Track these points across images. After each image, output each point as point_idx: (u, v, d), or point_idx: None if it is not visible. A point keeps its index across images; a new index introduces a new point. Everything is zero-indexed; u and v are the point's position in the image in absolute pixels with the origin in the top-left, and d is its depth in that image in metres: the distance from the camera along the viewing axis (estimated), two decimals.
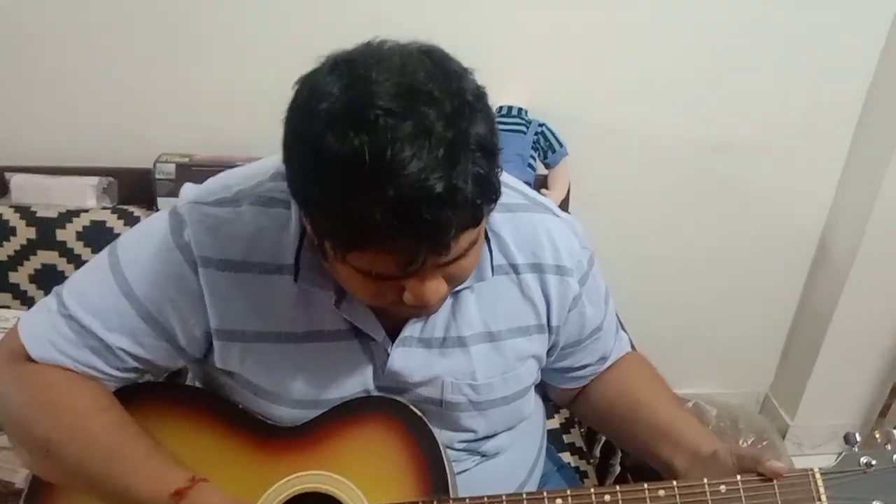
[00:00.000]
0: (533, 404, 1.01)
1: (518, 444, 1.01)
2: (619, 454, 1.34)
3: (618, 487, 0.80)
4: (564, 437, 1.51)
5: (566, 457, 1.44)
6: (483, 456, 0.97)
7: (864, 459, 0.79)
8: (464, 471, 0.94)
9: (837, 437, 1.97)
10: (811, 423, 2.10)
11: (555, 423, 1.52)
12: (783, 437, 2.09)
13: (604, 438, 1.43)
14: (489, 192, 0.67)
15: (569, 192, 1.65)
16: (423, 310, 0.77)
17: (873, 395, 2.08)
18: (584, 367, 1.02)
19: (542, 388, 1.08)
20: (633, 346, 1.10)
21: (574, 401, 1.08)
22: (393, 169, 0.61)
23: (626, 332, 1.09)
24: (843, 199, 1.88)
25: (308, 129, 0.64)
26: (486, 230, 0.84)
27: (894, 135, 1.68)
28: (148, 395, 0.91)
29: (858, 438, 0.81)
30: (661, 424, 0.93)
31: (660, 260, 1.94)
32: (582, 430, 1.53)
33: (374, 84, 0.63)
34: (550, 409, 1.49)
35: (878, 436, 0.81)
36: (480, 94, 0.69)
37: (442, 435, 0.90)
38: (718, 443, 0.88)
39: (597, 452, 1.45)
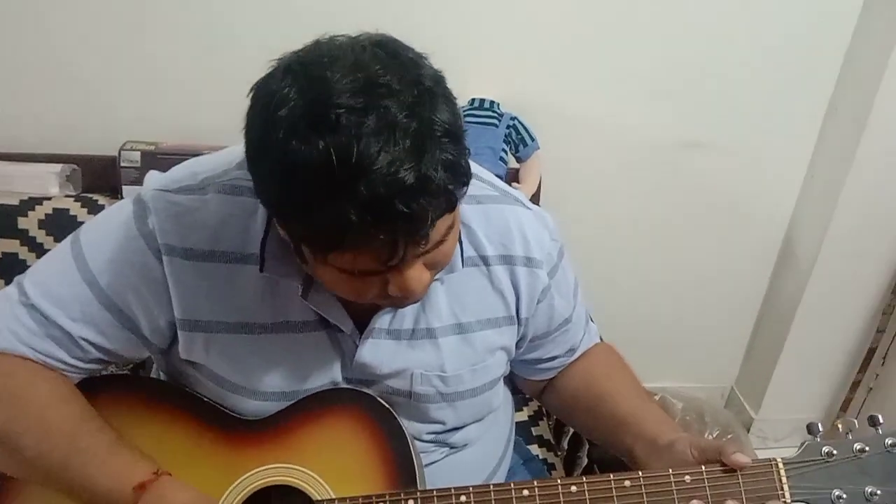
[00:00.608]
0: (502, 396, 1.01)
1: (486, 437, 1.01)
2: (587, 446, 1.35)
3: (584, 478, 0.81)
4: (533, 429, 1.52)
5: (534, 449, 1.45)
6: (451, 448, 0.97)
7: (825, 449, 0.80)
8: (432, 462, 0.94)
9: (800, 430, 2.00)
10: (775, 417, 2.14)
11: (523, 415, 1.53)
12: (748, 431, 2.13)
13: (571, 431, 1.44)
14: (460, 176, 0.67)
15: (540, 185, 1.65)
16: (409, 299, 0.76)
17: (835, 390, 2.12)
18: (553, 358, 1.02)
19: (511, 380, 1.08)
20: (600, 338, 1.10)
21: (542, 392, 1.08)
22: (362, 166, 0.60)
23: (594, 323, 1.10)
24: (808, 197, 1.91)
25: (270, 137, 0.63)
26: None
27: (858, 134, 1.71)
28: (112, 388, 0.90)
29: (821, 429, 0.81)
30: (621, 414, 0.93)
31: (628, 254, 1.95)
32: (550, 422, 1.54)
33: (331, 83, 0.62)
34: (519, 401, 1.50)
35: (839, 426, 0.82)
36: (439, 79, 0.68)
37: (410, 426, 0.89)
38: (680, 433, 0.88)
39: (564, 445, 1.46)
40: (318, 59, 0.65)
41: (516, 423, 1.14)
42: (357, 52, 0.65)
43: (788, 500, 0.79)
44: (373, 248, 0.65)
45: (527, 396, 1.46)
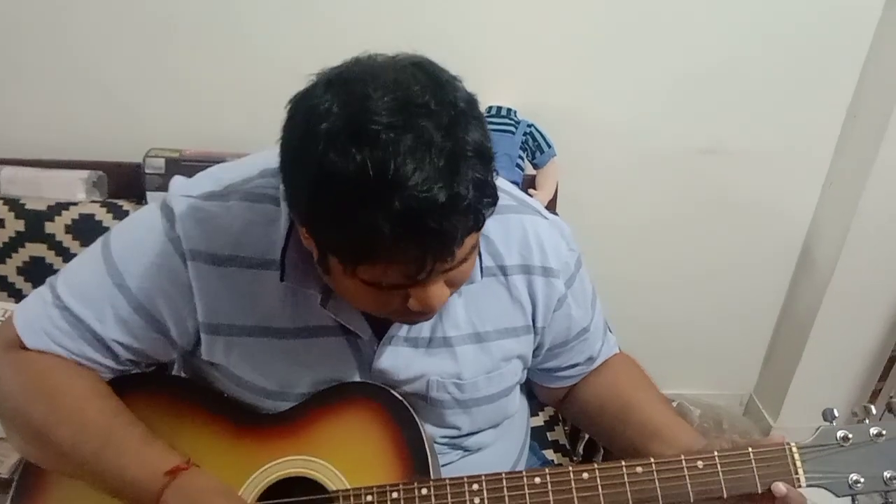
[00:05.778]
0: (518, 403, 1.02)
1: (501, 441, 1.02)
2: (602, 452, 1.36)
3: (596, 465, 0.81)
4: (549, 434, 1.52)
5: (549, 454, 1.46)
6: (466, 451, 0.98)
7: (840, 434, 0.80)
8: (447, 464, 0.95)
9: None
10: (794, 425, 2.12)
11: (539, 420, 1.53)
12: None
13: (587, 436, 1.44)
14: (488, 195, 0.69)
15: (556, 192, 1.66)
16: (427, 315, 0.79)
17: (855, 398, 2.11)
18: (573, 366, 1.03)
19: (527, 386, 1.09)
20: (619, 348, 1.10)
21: (563, 401, 1.08)
22: (397, 181, 0.62)
23: (612, 333, 1.10)
24: (827, 204, 1.90)
25: (309, 149, 0.65)
26: None
27: (877, 140, 1.70)
28: (137, 385, 0.92)
29: (836, 414, 0.81)
30: (655, 424, 0.93)
31: (645, 261, 1.95)
32: (566, 427, 1.54)
33: (372, 100, 0.64)
34: (535, 406, 1.50)
35: (856, 413, 0.82)
36: (472, 101, 0.70)
37: (426, 430, 0.90)
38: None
39: (580, 450, 1.47)
40: (359, 76, 0.67)
41: (532, 428, 1.15)
42: (397, 72, 0.68)
43: (804, 485, 0.79)
44: (402, 261, 0.67)
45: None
